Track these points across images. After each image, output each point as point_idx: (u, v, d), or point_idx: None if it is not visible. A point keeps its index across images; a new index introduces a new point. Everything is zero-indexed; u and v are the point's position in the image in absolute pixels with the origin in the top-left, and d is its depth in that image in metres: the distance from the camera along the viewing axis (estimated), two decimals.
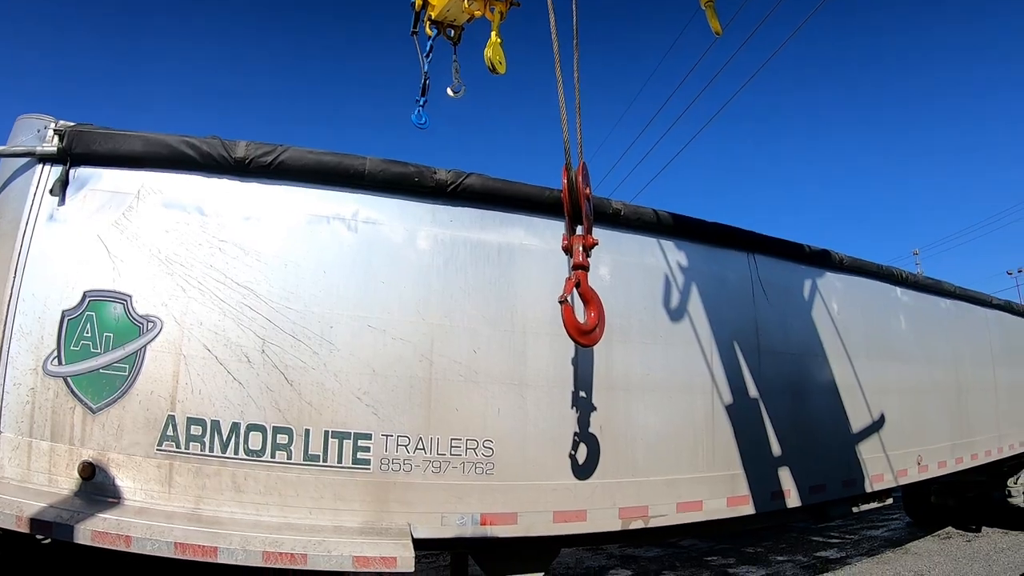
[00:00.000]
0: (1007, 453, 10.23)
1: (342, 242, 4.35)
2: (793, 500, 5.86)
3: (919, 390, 8.06)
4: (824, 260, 6.74)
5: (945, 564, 10.50)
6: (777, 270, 6.14)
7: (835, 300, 6.74)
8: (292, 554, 3.71)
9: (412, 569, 3.82)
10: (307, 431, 4.06)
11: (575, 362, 4.65)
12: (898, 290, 8.09)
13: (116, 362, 3.98)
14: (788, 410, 5.97)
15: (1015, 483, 11.96)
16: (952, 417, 8.81)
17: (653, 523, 4.88)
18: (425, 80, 5.88)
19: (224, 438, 3.99)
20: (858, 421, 6.72)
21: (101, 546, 3.60)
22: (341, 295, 4.25)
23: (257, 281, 4.15)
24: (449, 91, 5.88)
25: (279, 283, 4.17)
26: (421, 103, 5.90)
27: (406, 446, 4.17)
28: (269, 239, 4.24)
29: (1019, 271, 50.32)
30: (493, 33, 5.56)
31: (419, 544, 4.06)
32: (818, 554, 11.59)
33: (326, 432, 4.08)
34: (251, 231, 4.23)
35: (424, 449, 4.20)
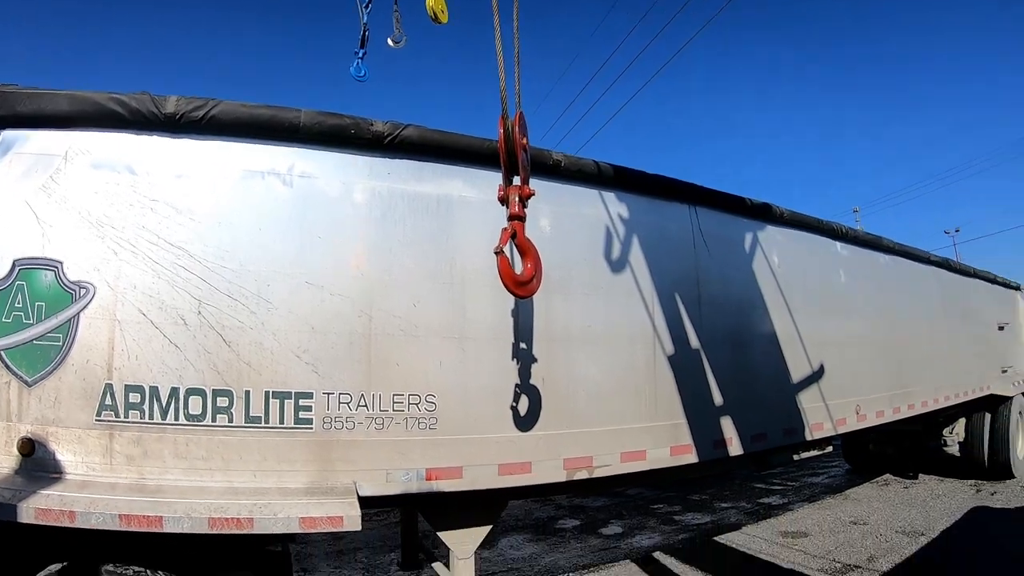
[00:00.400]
0: (942, 404, 10.60)
1: (277, 197, 4.24)
2: (735, 448, 5.98)
3: (858, 342, 8.29)
4: (765, 213, 6.82)
5: (883, 510, 10.89)
6: (718, 223, 6.19)
7: (776, 253, 6.84)
8: (238, 519, 3.66)
9: (359, 527, 3.79)
10: (247, 392, 3.98)
11: (515, 314, 4.62)
12: (838, 244, 8.25)
13: (49, 332, 3.84)
14: (729, 361, 6.06)
15: (950, 433, 12.49)
16: (890, 369, 9.08)
17: (598, 473, 4.92)
18: (364, 31, 5.76)
19: (163, 404, 3.90)
20: (798, 372, 6.88)
21: (45, 523, 3.49)
22: (277, 252, 4.15)
23: (191, 241, 4.02)
24: (390, 41, 5.75)
25: (213, 242, 4.05)
26: (360, 55, 5.77)
27: (348, 403, 4.11)
28: (202, 197, 4.12)
29: (956, 231, 52.46)
30: None
31: (365, 502, 4.02)
32: (761, 500, 11.99)
33: (267, 392, 4.01)
34: (183, 189, 4.10)
35: (366, 406, 4.15)
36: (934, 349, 10.58)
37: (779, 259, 6.84)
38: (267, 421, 4.00)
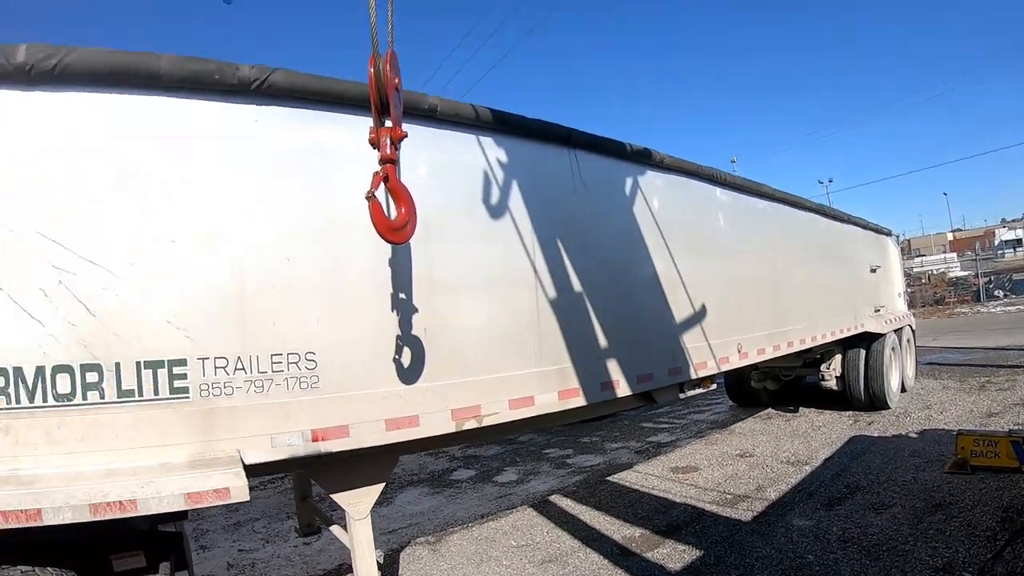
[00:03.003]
0: (820, 342, 11.19)
1: (140, 149, 3.90)
2: (622, 390, 6.10)
3: (738, 284, 8.58)
4: (645, 158, 6.87)
5: (768, 442, 11.42)
6: (598, 167, 6.19)
7: (656, 197, 6.92)
8: (120, 502, 3.45)
9: (247, 497, 3.64)
10: (117, 365, 3.71)
11: (393, 264, 4.47)
12: (718, 190, 8.46)
13: None
14: (613, 303, 6.13)
15: (827, 368, 13.13)
16: (769, 309, 9.47)
17: (487, 422, 4.91)
18: None
19: (30, 386, 3.60)
20: (681, 313, 7.06)
21: None
22: (142, 211, 3.83)
23: (45, 205, 3.68)
24: None
25: (70, 205, 3.72)
26: None
27: (225, 368, 3.88)
28: (58, 155, 3.75)
29: (829, 181, 55.68)
30: None
31: (252, 470, 3.88)
32: (650, 439, 12.39)
33: (138, 363, 3.74)
34: (37, 148, 3.73)
35: (244, 369, 3.93)
36: (811, 290, 11.09)
37: (659, 203, 6.93)
38: (141, 394, 3.76)
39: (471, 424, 4.83)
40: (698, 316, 7.30)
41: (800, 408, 14.13)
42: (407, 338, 4.53)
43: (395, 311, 4.49)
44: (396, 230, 3.99)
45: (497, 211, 5.14)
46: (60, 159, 3.79)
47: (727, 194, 8.68)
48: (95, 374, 3.71)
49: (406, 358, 4.51)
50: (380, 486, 4.79)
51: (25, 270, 3.66)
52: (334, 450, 4.19)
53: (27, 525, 3.35)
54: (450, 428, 4.73)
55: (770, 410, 14.36)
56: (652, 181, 6.98)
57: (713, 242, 8.15)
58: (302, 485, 6.24)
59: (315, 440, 4.11)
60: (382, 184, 3.97)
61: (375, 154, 4.05)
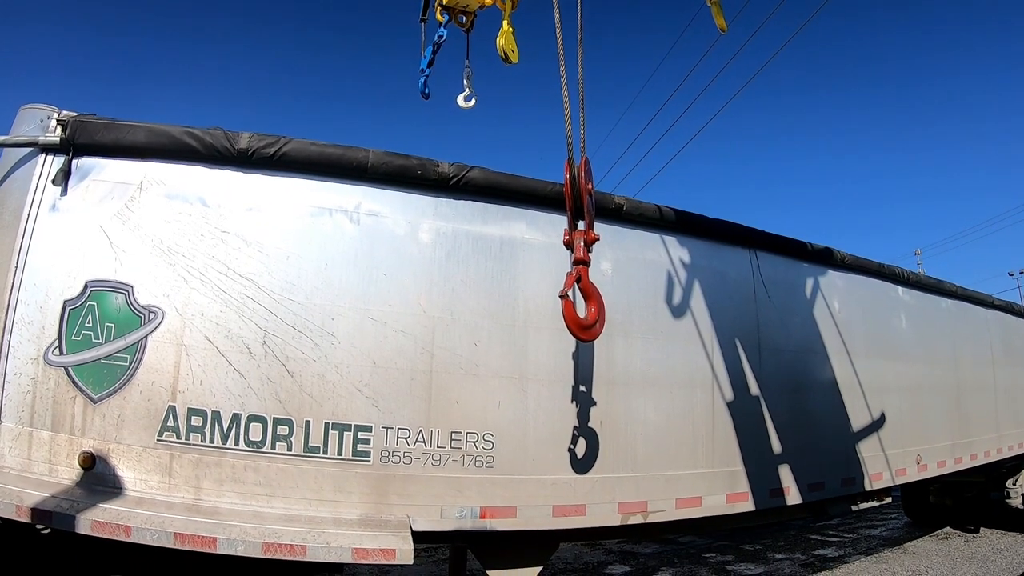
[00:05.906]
0: (1006, 454, 10.20)
1: (344, 234, 4.35)
2: (792, 497, 5.87)
3: (919, 389, 8.06)
4: (826, 258, 6.73)
5: (943, 564, 10.50)
6: (779, 267, 6.14)
7: (836, 298, 6.73)
8: (292, 545, 3.73)
9: (411, 561, 3.83)
10: (307, 423, 4.06)
11: (576, 356, 4.65)
12: (899, 289, 8.07)
13: (117, 352, 3.98)
14: (788, 407, 5.97)
15: (1014, 484, 11.90)
16: (952, 417, 8.81)
17: (652, 519, 4.88)
18: (436, 50, 5.75)
19: (225, 429, 4.00)
20: (858, 419, 6.72)
21: (101, 536, 3.61)
22: (343, 287, 4.25)
23: (259, 273, 4.15)
24: (460, 100, 5.76)
25: (281, 275, 4.17)
26: (427, 73, 5.77)
27: (406, 439, 4.18)
28: (271, 231, 4.24)
29: (1020, 272, 50.62)
30: (505, 22, 5.47)
31: (418, 537, 4.07)
32: (816, 552, 11.59)
33: (326, 424, 4.08)
34: (253, 223, 4.23)
35: (424, 442, 4.21)
36: (998, 396, 10.23)
37: (840, 304, 6.73)
38: (325, 452, 4.07)
39: (636, 519, 4.83)
40: (876, 423, 6.92)
41: (981, 528, 12.91)
42: (583, 429, 4.65)
43: (574, 401, 4.65)
44: (586, 328, 4.18)
45: (678, 309, 5.19)
46: (271, 234, 4.26)
47: (909, 293, 8.27)
48: (286, 428, 4.07)
49: (580, 448, 4.62)
50: (537, 569, 4.84)
51: (233, 327, 4.10)
52: (500, 529, 4.35)
53: (200, 550, 3.66)
54: (615, 521, 4.76)
55: (948, 528, 13.12)
56: (832, 281, 6.80)
57: (893, 344, 7.74)
58: (458, 560, 6.36)
59: (483, 517, 4.30)
60: (575, 284, 4.11)
61: (557, 247, 4.28)
